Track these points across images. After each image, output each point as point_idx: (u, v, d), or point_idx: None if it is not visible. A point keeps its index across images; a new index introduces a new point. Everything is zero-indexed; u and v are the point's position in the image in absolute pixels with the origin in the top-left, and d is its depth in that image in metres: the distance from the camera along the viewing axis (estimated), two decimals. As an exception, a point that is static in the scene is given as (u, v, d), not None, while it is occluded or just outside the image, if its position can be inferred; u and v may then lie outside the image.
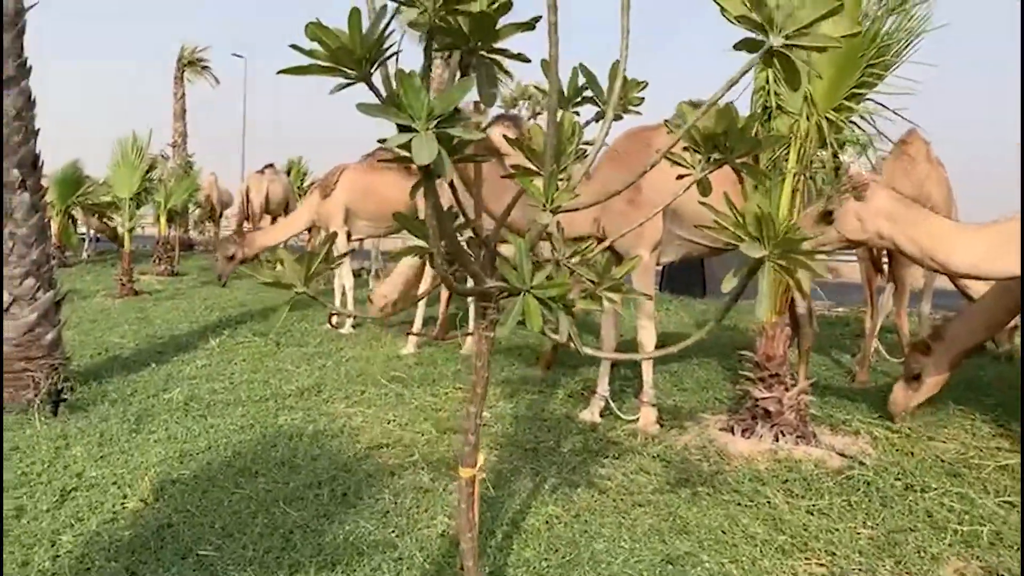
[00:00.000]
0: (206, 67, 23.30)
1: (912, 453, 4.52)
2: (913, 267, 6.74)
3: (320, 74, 1.60)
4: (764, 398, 4.69)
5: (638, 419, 5.04)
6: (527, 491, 3.89)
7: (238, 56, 39.03)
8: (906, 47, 4.32)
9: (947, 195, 7.08)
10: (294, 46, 1.60)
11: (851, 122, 4.52)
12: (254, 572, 3.02)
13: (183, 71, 21.99)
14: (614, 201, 4.76)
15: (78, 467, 4.16)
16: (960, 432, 5.02)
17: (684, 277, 12.81)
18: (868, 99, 4.50)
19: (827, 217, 4.08)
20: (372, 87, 1.63)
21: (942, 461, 4.42)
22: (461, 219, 2.25)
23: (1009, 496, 3.89)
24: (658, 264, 5.13)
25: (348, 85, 1.64)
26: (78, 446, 4.49)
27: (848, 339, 8.77)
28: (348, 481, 4.01)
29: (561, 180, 2.15)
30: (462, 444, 2.31)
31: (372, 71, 1.62)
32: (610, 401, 5.23)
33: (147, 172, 12.76)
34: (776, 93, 4.48)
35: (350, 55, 1.56)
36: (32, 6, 5.47)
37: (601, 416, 5.20)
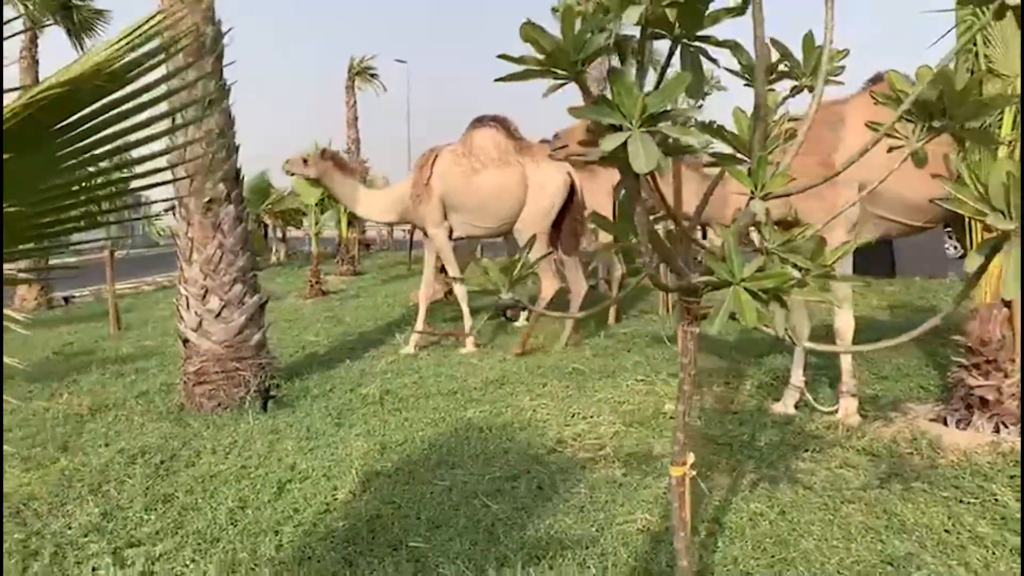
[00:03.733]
0: (374, 75, 24.35)
1: None
2: None
3: (535, 78, 1.60)
4: (980, 386, 4.32)
5: (837, 410, 4.78)
6: (726, 487, 3.79)
7: (401, 61, 40.60)
8: None
9: None
10: (504, 55, 1.61)
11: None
12: (463, 564, 3.11)
13: (353, 80, 23.06)
14: (808, 183, 4.56)
15: (290, 460, 4.46)
16: None
17: (871, 258, 12.07)
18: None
19: None
20: (583, 85, 1.62)
21: None
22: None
23: None
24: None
25: (561, 86, 1.64)
26: (289, 440, 4.82)
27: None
28: (542, 474, 4.06)
29: (770, 164, 2.06)
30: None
31: (585, 69, 1.61)
32: (805, 392, 5.00)
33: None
34: (985, 56, 4.10)
35: (566, 57, 1.55)
36: (228, 31, 5.90)
37: (796, 408, 4.98)
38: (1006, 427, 4.22)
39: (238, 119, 6.11)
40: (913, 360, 6.27)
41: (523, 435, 4.77)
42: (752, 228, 2.20)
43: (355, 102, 23.23)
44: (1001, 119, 4.14)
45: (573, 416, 5.12)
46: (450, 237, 7.60)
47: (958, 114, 1.96)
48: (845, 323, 4.71)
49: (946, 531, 3.21)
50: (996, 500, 3.47)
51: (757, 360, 6.27)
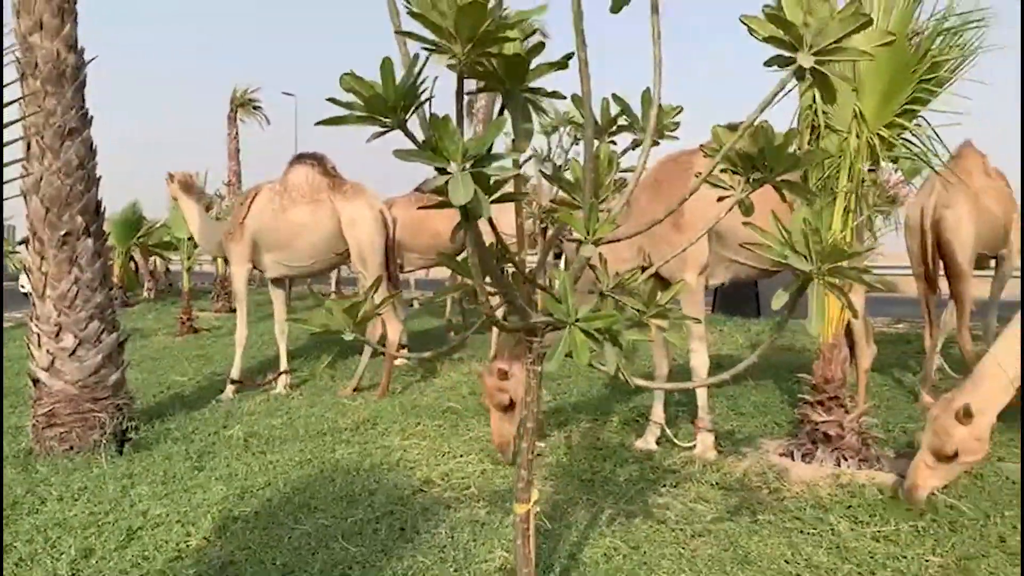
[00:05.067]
0: (257, 107, 23.91)
1: (981, 475, 4.37)
2: (973, 281, 6.56)
3: (357, 124, 1.63)
4: (824, 421, 4.58)
5: (695, 446, 4.96)
6: (584, 522, 3.86)
7: (288, 95, 39.86)
8: (960, 65, 4.24)
9: (1007, 207, 6.88)
10: (332, 99, 1.64)
11: (903, 139, 4.44)
12: (313, 609, 3.04)
13: (236, 111, 22.57)
14: (659, 228, 4.76)
15: (143, 505, 4.26)
16: (1033, 452, 4.83)
17: (737, 298, 12.65)
18: (920, 116, 4.41)
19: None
20: (408, 133, 1.66)
21: (1014, 483, 4.26)
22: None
23: (1088, 519, 3.73)
24: (707, 287, 5.07)
25: (384, 133, 1.68)
26: (143, 484, 4.60)
27: (911, 357, 8.53)
28: (405, 515, 4.03)
29: (601, 212, 2.16)
30: (516, 478, 2.32)
31: (407, 118, 1.66)
32: (666, 428, 5.17)
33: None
34: (824, 112, 4.42)
35: (384, 104, 1.59)
36: (91, 60, 5.69)
37: (657, 444, 5.14)
38: (846, 460, 4.48)
39: (115, 149, 5.90)
40: (771, 396, 6.59)
41: (391, 476, 4.72)
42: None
43: (237, 133, 22.73)
44: (838, 173, 4.45)
45: (443, 455, 5.12)
46: (276, 280, 7.63)
47: (777, 166, 2.11)
48: (700, 362, 4.92)
49: (785, 561, 3.37)
50: (833, 530, 3.67)
51: (624, 397, 6.44)
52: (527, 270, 2.39)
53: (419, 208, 8.39)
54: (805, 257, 2.00)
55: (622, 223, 5.03)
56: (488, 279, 2.03)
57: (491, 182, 1.68)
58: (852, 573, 3.24)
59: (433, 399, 6.80)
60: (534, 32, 1.85)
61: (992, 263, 7.46)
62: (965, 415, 3.69)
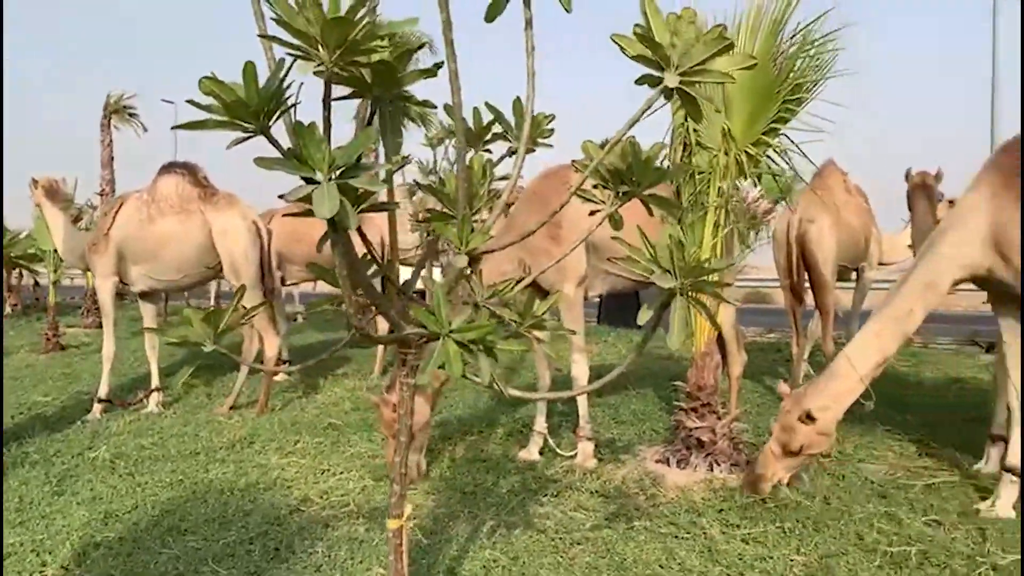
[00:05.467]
0: (133, 114, 22.87)
1: (843, 476, 4.61)
2: (835, 292, 6.95)
3: (217, 128, 1.58)
4: (697, 428, 4.74)
5: (576, 455, 5.03)
6: (465, 535, 3.84)
7: (168, 102, 38.15)
8: (817, 85, 4.50)
9: (865, 222, 7.33)
10: (191, 101, 1.58)
11: (768, 156, 4.66)
12: (179, 637, 2.90)
13: (109, 118, 21.51)
14: (537, 240, 4.83)
15: (-7, 536, 3.97)
16: (888, 453, 5.15)
17: (621, 309, 12.94)
18: (783, 134, 4.65)
19: (809, 420, 3.99)
20: (272, 140, 1.62)
21: (871, 483, 4.52)
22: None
23: (936, 515, 3.98)
24: (586, 297, 5.17)
25: (246, 139, 1.63)
26: (-7, 513, 4.29)
27: (781, 365, 8.94)
28: (280, 535, 3.91)
29: (476, 223, 2.17)
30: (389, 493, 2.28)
31: (271, 124, 1.61)
32: (548, 438, 5.22)
33: (74, 222, 12.39)
34: (695, 130, 4.59)
35: (246, 109, 1.55)
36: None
37: (540, 454, 5.18)
38: (718, 465, 4.64)
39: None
40: (650, 405, 6.76)
41: (267, 496, 4.57)
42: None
43: (111, 141, 21.65)
44: (709, 188, 4.62)
45: (323, 473, 4.99)
46: (145, 294, 7.30)
47: (644, 181, 2.17)
48: (581, 372, 5.00)
49: (660, 566, 3.46)
50: (705, 534, 3.79)
51: (510, 409, 6.47)
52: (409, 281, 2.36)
53: (283, 215, 8.12)
54: (669, 273, 2.06)
55: (508, 237, 5.05)
56: (360, 291, 2.00)
57: (359, 193, 1.66)
58: (722, 575, 3.35)
59: (314, 415, 6.64)
60: (422, 46, 1.84)
61: (854, 275, 7.94)
62: (808, 418, 3.91)
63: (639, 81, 1.85)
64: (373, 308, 2.16)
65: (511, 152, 2.57)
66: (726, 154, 4.48)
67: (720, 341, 5.56)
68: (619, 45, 1.80)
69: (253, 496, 4.54)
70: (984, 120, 14.89)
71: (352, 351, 9.87)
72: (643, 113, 1.95)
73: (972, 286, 4.36)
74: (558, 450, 5.14)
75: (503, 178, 2.47)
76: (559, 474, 4.76)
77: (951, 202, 6.42)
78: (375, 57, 1.75)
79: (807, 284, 6.95)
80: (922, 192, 6.21)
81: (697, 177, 4.56)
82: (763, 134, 4.49)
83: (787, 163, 4.66)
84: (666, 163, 4.86)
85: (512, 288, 2.35)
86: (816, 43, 4.38)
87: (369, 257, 2.20)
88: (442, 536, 3.83)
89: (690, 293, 2.06)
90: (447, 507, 4.24)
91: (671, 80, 1.78)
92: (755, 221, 3.90)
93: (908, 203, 6.41)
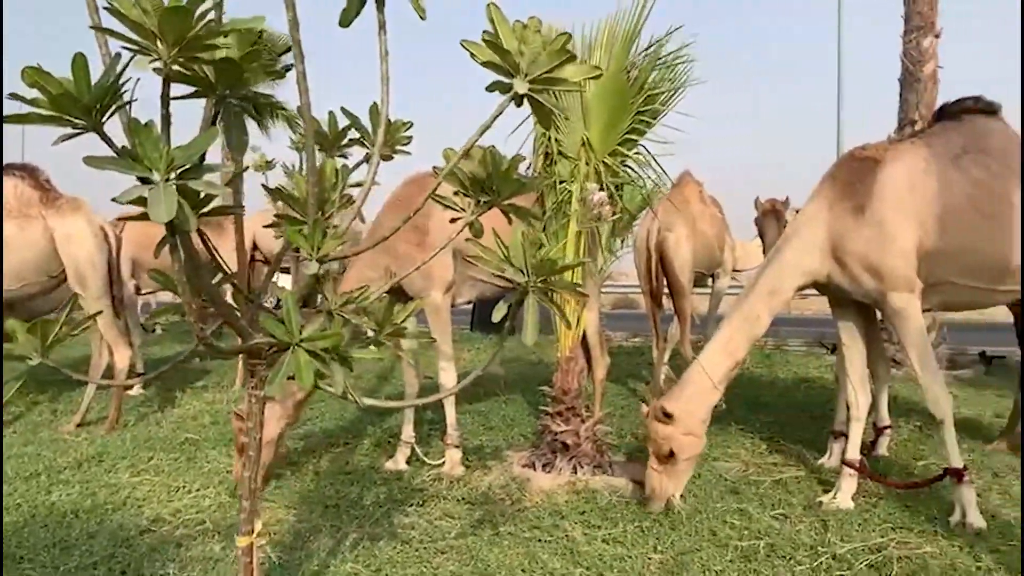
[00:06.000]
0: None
1: (699, 475, 4.78)
2: (692, 298, 7.25)
3: (41, 123, 1.47)
4: (562, 431, 4.81)
5: (444, 463, 5.01)
6: (326, 550, 3.74)
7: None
8: (672, 97, 4.68)
9: (719, 231, 7.67)
10: (14, 95, 1.47)
11: (626, 166, 4.81)
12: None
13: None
14: (403, 247, 4.79)
15: None
16: (741, 451, 5.39)
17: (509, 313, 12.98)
18: (641, 145, 4.80)
19: (671, 457, 4.12)
20: (105, 137, 1.52)
21: (725, 480, 4.72)
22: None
23: (783, 509, 4.20)
24: (454, 304, 5.16)
25: (76, 135, 1.53)
26: None
27: (644, 368, 9.23)
28: (128, 558, 3.69)
29: (328, 228, 2.12)
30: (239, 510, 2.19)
31: (104, 120, 1.52)
32: (416, 447, 5.17)
33: None
34: (556, 139, 4.67)
35: (75, 103, 1.45)
36: None
37: (407, 463, 5.12)
38: (582, 467, 4.73)
39: None
40: (520, 410, 6.82)
41: (115, 517, 4.30)
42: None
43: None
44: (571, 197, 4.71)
45: (177, 490, 4.75)
46: None
47: (504, 190, 2.17)
48: (449, 379, 4.98)
49: (523, 570, 3.48)
50: (567, 536, 3.84)
51: (378, 419, 6.36)
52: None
53: (118, 219, 7.64)
54: (522, 271, 2.09)
55: (367, 243, 4.98)
56: (204, 298, 1.92)
57: (201, 195, 1.59)
58: (583, 576, 3.41)
59: (170, 430, 6.32)
60: (288, 50, 1.79)
61: (710, 281, 8.30)
62: (664, 414, 4.06)
63: (490, 88, 1.86)
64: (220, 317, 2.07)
65: (368, 158, 2.53)
66: (586, 164, 4.59)
67: (585, 345, 5.68)
68: (469, 51, 1.81)
69: (100, 518, 4.27)
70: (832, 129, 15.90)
71: (214, 362, 9.49)
72: (494, 119, 1.96)
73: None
74: (426, 459, 5.10)
75: (356, 184, 2.43)
76: (426, 483, 4.73)
77: (797, 211, 6.81)
78: (218, 54, 1.68)
79: (666, 290, 7.21)
80: (772, 216, 6.57)
81: (559, 186, 4.64)
82: (620, 144, 4.63)
83: (646, 174, 4.82)
84: (531, 171, 4.93)
85: (364, 295, 2.31)
86: (667, 56, 4.56)
87: (215, 264, 2.12)
88: (302, 552, 3.72)
89: (550, 292, 2.10)
90: (308, 521, 4.12)
91: (520, 87, 1.80)
92: (599, 222, 3.99)
93: (759, 228, 6.74)
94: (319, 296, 2.35)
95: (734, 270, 8.45)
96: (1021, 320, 5.33)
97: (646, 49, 4.56)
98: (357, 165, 2.53)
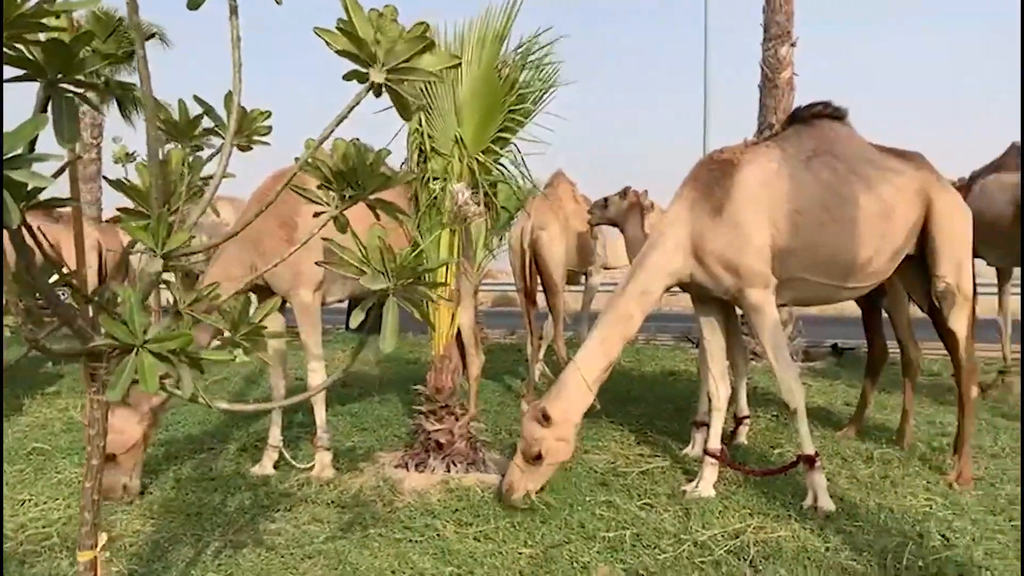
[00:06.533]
0: None
1: (570, 468, 4.86)
2: (565, 295, 7.36)
3: None
4: (436, 430, 4.78)
5: (313, 466, 4.88)
6: (185, 560, 3.57)
7: None
8: (542, 96, 4.72)
9: (591, 229, 7.83)
10: None
11: (500, 164, 4.82)
12: None
13: None
14: (271, 243, 4.64)
15: None
16: (611, 444, 5.52)
17: (371, 315, 12.81)
18: (513, 143, 4.83)
19: (539, 459, 4.14)
20: None
21: (595, 472, 4.81)
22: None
23: (649, 499, 4.32)
24: (325, 303, 5.04)
25: None
26: None
27: (521, 365, 9.32)
28: (-39, 580, 3.41)
29: (175, 222, 2.01)
30: (110, 517, 2.05)
31: None
32: (284, 451, 5.02)
33: None
34: (430, 136, 4.64)
35: None
36: None
37: (275, 468, 4.97)
38: (456, 465, 4.72)
39: None
40: (394, 410, 6.75)
41: (-52, 535, 3.97)
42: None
43: None
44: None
45: (23, 504, 4.43)
46: None
47: (369, 184, 2.12)
48: (317, 379, 4.86)
49: (392, 572, 3.43)
50: (439, 535, 3.82)
51: (245, 423, 6.15)
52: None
53: None
54: (382, 274, 2.04)
55: (230, 240, 4.76)
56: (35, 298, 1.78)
57: (28, 188, 1.47)
58: (452, 574, 3.39)
59: (16, 440, 5.89)
60: (152, 36, 1.68)
61: (583, 279, 8.46)
62: (544, 417, 4.09)
63: (347, 76, 1.82)
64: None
65: (224, 147, 2.43)
66: (460, 161, 4.57)
67: (460, 344, 5.67)
68: (324, 39, 1.76)
69: (-69, 538, 3.93)
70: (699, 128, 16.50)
71: (68, 366, 8.93)
72: (350, 109, 1.91)
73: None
74: (294, 463, 4.95)
75: (207, 178, 2.32)
76: (294, 488, 4.59)
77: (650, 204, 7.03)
78: (46, 35, 1.57)
79: (540, 288, 7.30)
80: (636, 210, 6.73)
81: (432, 183, 4.61)
82: (492, 143, 4.64)
83: (519, 172, 4.85)
84: (404, 167, 4.87)
85: (216, 293, 2.20)
86: (537, 52, 4.60)
87: (51, 261, 1.97)
88: (160, 563, 3.54)
89: (402, 295, 2.06)
90: (168, 531, 3.92)
91: (377, 76, 1.76)
92: (465, 222, 3.99)
93: (620, 222, 6.83)
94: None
95: (605, 268, 8.65)
96: (866, 314, 5.69)
97: (517, 48, 4.59)
98: (212, 156, 2.43)
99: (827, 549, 3.62)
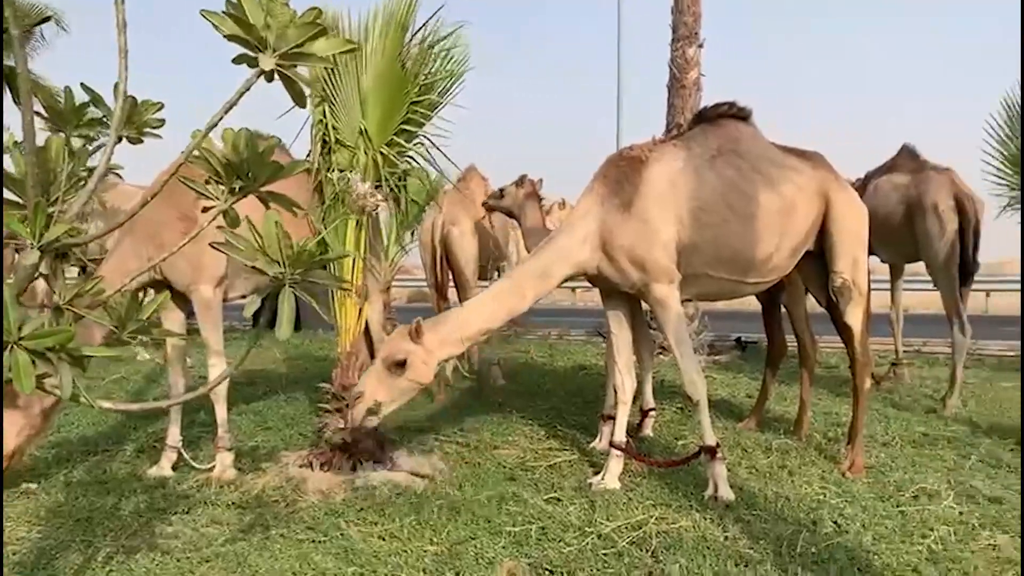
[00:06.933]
0: None
1: (479, 464, 4.87)
2: (477, 291, 7.34)
3: None
4: (342, 428, 4.70)
5: (213, 467, 4.73)
6: (74, 568, 3.41)
7: None
8: (448, 88, 4.70)
9: (504, 224, 7.84)
10: None
11: (407, 157, 4.77)
12: None
13: None
14: (169, 235, 4.47)
15: None
16: (521, 438, 5.54)
17: (275, 311, 12.50)
18: (421, 135, 4.79)
19: (399, 368, 4.14)
20: None
21: (503, 467, 4.82)
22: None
23: (555, 492, 4.35)
24: (227, 299, 4.89)
25: None
26: None
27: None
28: None
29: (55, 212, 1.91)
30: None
31: None
32: (183, 451, 4.85)
33: None
34: (335, 127, 4.55)
35: None
36: None
37: (174, 469, 4.79)
38: (362, 464, 4.65)
39: None
40: (300, 408, 6.61)
41: None
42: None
43: None
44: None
45: None
46: None
47: (260, 176, 2.05)
48: (219, 375, 4.71)
49: (293, 573, 3.35)
50: (343, 535, 3.74)
51: (143, 423, 5.92)
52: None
53: None
54: (277, 262, 1.99)
55: (126, 233, 4.58)
56: None
57: None
58: (355, 574, 3.34)
59: None
60: (47, 19, 1.57)
61: (495, 275, 8.47)
62: (416, 331, 4.15)
63: (236, 60, 1.76)
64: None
65: (126, 139, 2.33)
66: (365, 153, 4.51)
67: (369, 340, 5.59)
68: (211, 23, 1.70)
69: None
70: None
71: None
72: (240, 96, 1.85)
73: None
74: (194, 463, 4.79)
75: (89, 170, 2.22)
76: (192, 489, 4.44)
77: (562, 202, 7.05)
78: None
79: (452, 283, 7.27)
80: (534, 198, 6.74)
81: (338, 175, 4.53)
82: (397, 135, 4.59)
83: (428, 165, 4.82)
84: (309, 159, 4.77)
85: (99, 288, 2.10)
86: (440, 43, 4.57)
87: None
88: (45, 571, 3.37)
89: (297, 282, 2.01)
90: (55, 537, 3.73)
91: (267, 62, 1.71)
92: (363, 213, 3.93)
93: (517, 209, 6.80)
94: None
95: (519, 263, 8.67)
96: (766, 309, 5.88)
97: (419, 38, 4.55)
98: (98, 146, 2.32)
99: (726, 538, 3.71)
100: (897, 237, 7.13)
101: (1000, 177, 6.05)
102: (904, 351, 8.35)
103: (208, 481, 4.55)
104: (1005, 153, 5.39)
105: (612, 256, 4.41)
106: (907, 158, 7.48)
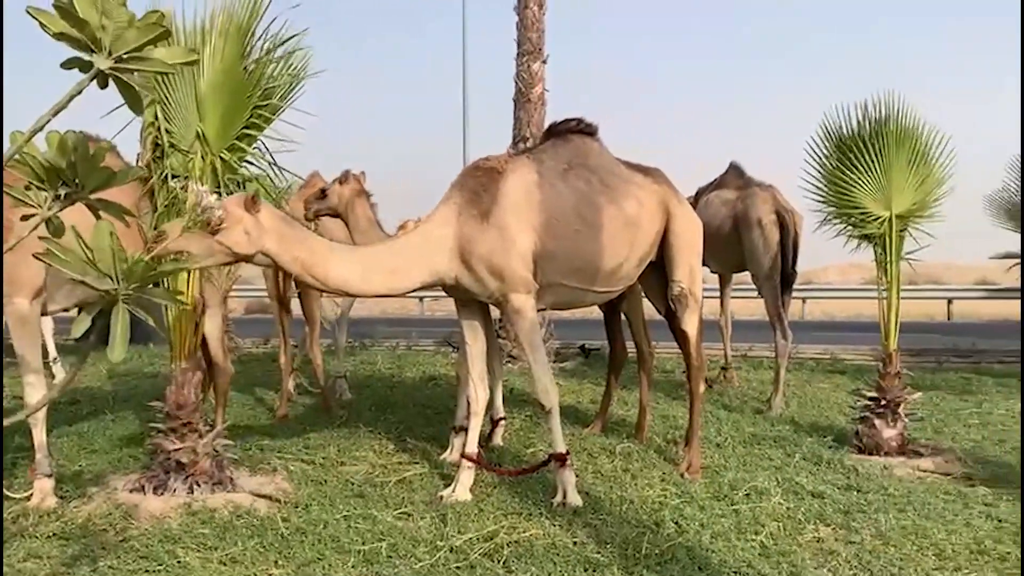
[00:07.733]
0: None
1: (325, 481, 4.73)
2: (320, 301, 7.14)
3: None
4: (176, 449, 4.42)
5: (31, 495, 4.33)
6: None
7: None
8: (290, 92, 4.55)
9: (345, 235, 7.69)
10: None
11: (247, 162, 4.58)
12: None
13: None
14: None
15: None
16: (369, 453, 5.43)
17: (98, 323, 11.63)
18: (260, 140, 4.61)
19: (211, 227, 3.69)
20: None
21: (351, 484, 4.70)
22: None
23: (405, 507, 4.28)
24: (47, 313, 4.50)
25: None
26: None
27: (276, 374, 8.89)
28: None
29: None
30: None
31: None
32: (-4, 479, 4.42)
33: None
34: (168, 130, 4.30)
35: None
36: None
37: (-13, 500, 4.35)
38: (199, 486, 4.39)
39: None
40: (131, 429, 6.18)
41: None
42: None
43: None
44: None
45: None
46: None
47: (89, 183, 1.90)
48: (36, 395, 4.30)
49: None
50: (179, 562, 3.52)
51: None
52: None
53: None
54: (110, 277, 1.84)
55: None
56: None
57: None
58: (195, 605, 3.15)
59: None
60: None
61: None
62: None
63: (65, 64, 1.63)
64: None
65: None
66: (203, 158, 4.29)
67: (206, 354, 5.33)
68: (39, 21, 1.56)
69: None
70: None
71: None
72: (70, 99, 1.71)
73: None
74: (8, 492, 4.37)
75: None
76: (8, 521, 4.04)
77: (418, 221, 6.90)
78: None
79: (295, 293, 7.04)
80: (362, 195, 6.53)
81: (172, 181, 4.28)
82: (238, 140, 4.40)
83: (269, 171, 4.64)
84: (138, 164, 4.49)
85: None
86: (280, 47, 4.44)
87: None
88: None
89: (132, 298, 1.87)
90: None
91: (102, 63, 1.59)
92: (210, 226, 3.71)
93: (344, 208, 6.49)
94: None
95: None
96: (607, 316, 6.09)
97: (263, 43, 4.39)
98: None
99: (575, 544, 3.79)
100: (725, 248, 7.60)
101: (817, 193, 6.52)
102: (732, 355, 8.88)
103: (25, 511, 4.16)
104: (822, 171, 5.87)
105: (470, 265, 4.41)
106: (734, 175, 8.01)
